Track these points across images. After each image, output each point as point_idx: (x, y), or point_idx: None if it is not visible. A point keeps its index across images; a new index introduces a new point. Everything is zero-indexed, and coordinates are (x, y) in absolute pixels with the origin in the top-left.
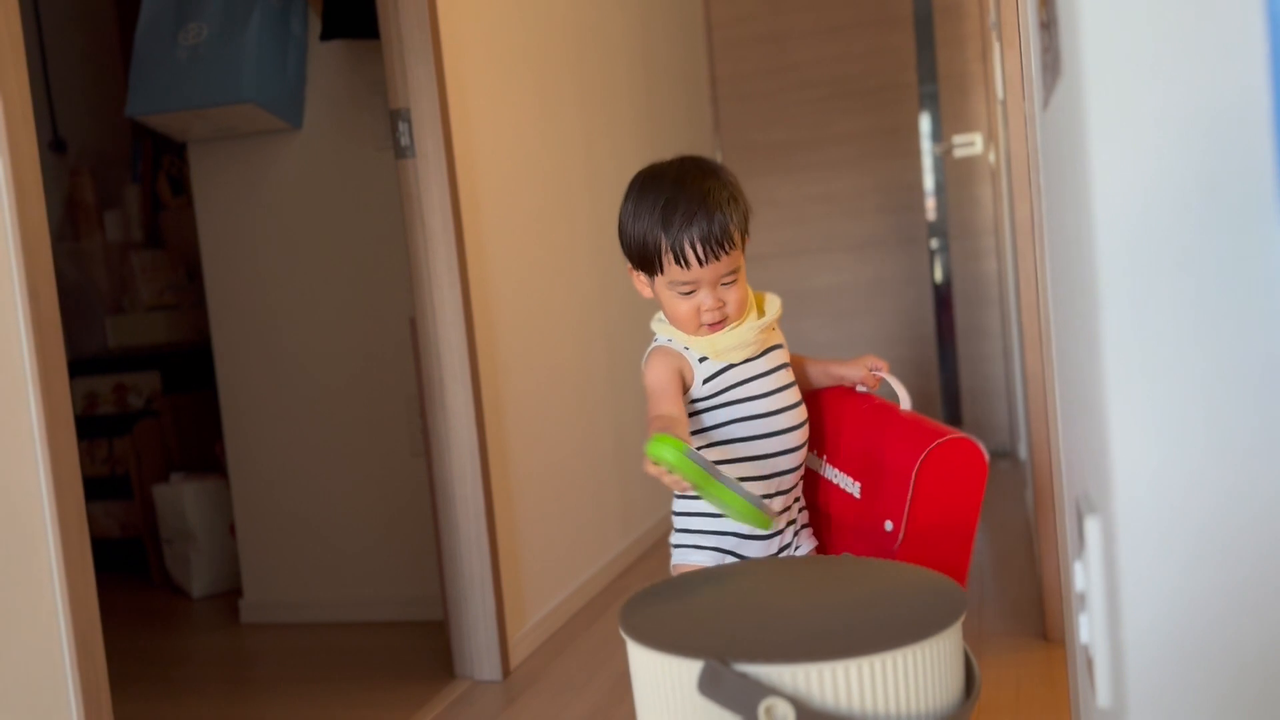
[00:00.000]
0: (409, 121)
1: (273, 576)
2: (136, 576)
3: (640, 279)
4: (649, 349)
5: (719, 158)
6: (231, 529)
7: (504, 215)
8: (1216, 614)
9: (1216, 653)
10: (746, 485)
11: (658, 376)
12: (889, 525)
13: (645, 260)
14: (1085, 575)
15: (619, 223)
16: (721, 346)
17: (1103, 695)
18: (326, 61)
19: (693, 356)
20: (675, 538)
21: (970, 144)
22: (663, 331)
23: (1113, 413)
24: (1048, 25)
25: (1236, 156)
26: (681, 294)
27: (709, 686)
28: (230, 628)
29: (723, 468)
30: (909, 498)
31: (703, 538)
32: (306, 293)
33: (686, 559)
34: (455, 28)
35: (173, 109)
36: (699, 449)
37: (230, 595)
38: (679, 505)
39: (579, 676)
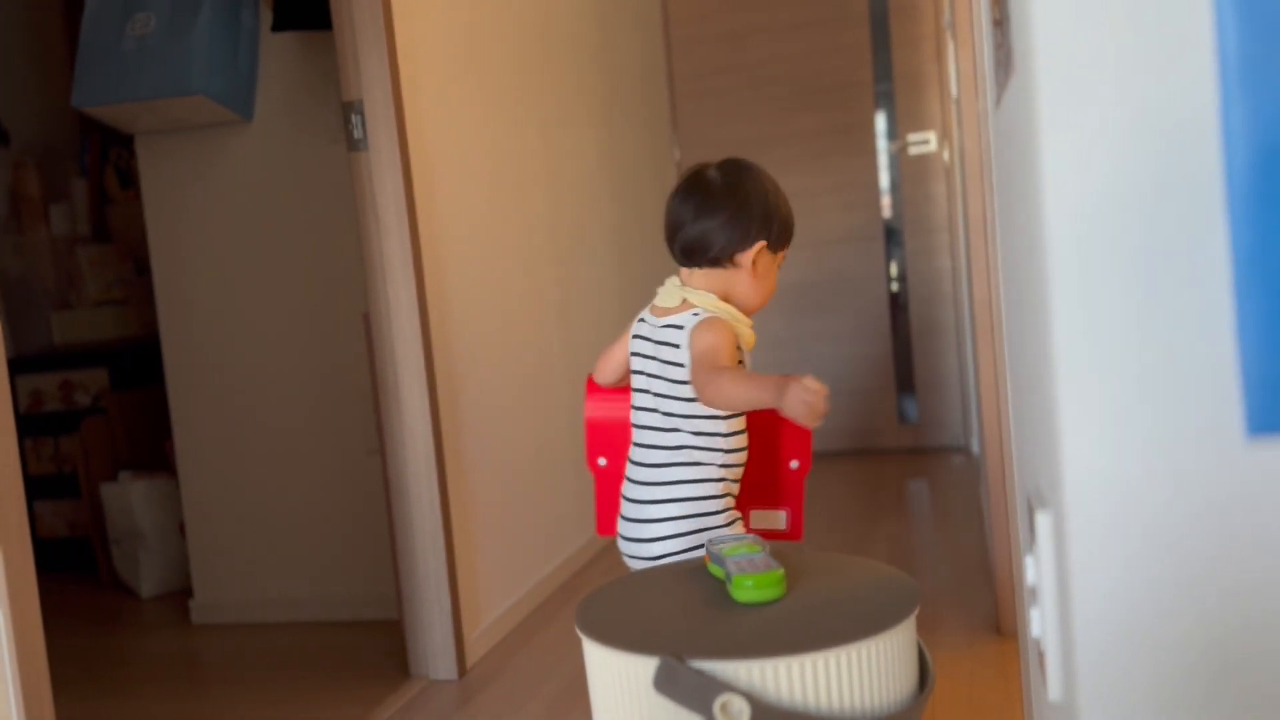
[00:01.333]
0: (362, 114)
1: (224, 576)
2: (84, 576)
3: (762, 254)
4: (701, 317)
5: (677, 155)
6: (181, 528)
7: (460, 209)
8: (1165, 608)
9: (1165, 646)
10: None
11: (730, 345)
12: (794, 464)
13: (785, 235)
14: (1036, 570)
15: (762, 199)
16: (748, 335)
17: (1054, 689)
18: (278, 53)
19: (741, 336)
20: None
21: (924, 142)
22: (718, 308)
23: (1063, 409)
24: (1000, 23)
25: (1185, 155)
26: (776, 272)
27: (665, 684)
28: (180, 628)
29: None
30: (810, 440)
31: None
32: (258, 288)
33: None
34: (409, 19)
35: (120, 100)
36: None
37: (180, 595)
38: (702, 490)
39: (535, 675)
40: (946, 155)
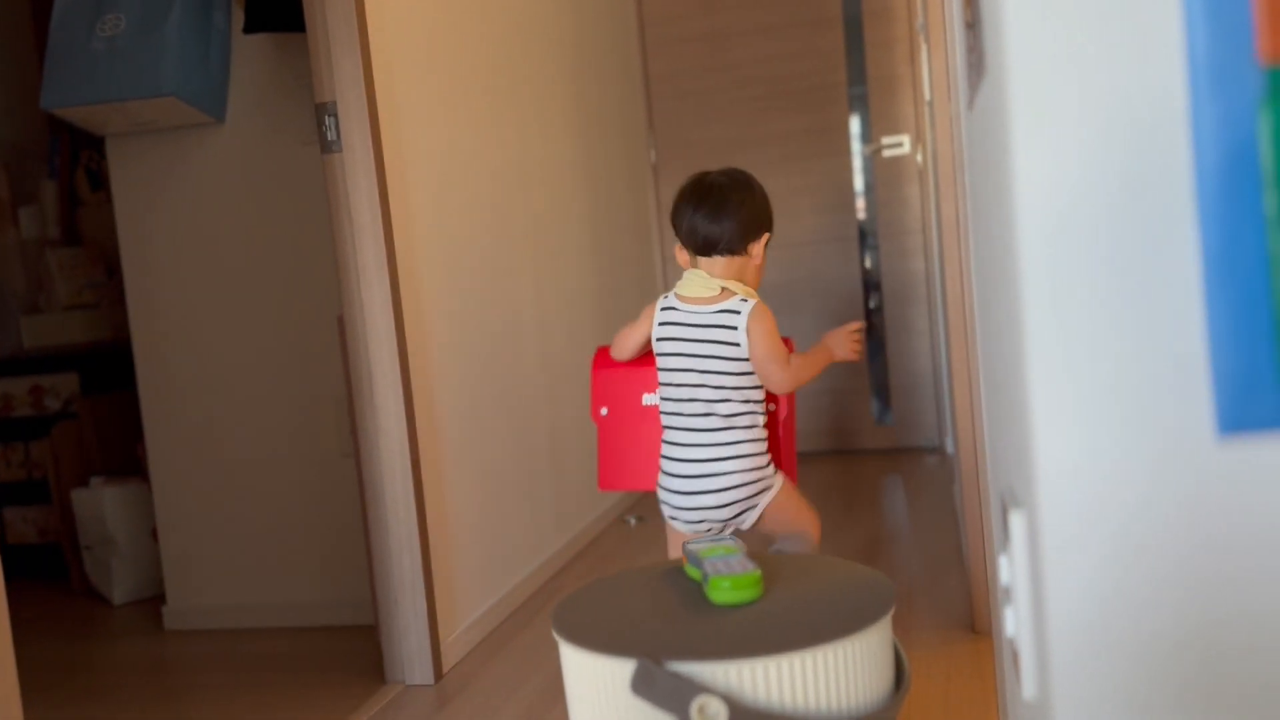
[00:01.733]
0: (335, 115)
1: (197, 582)
2: (56, 583)
3: (764, 243)
4: (751, 305)
5: (653, 155)
6: (154, 534)
7: (435, 210)
8: (1138, 606)
9: (1139, 644)
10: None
11: (775, 327)
12: (772, 406)
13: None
14: (1010, 569)
15: (763, 197)
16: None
17: (1028, 688)
18: (250, 54)
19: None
20: (764, 472)
21: (898, 145)
22: (749, 293)
23: (1036, 409)
24: (972, 26)
25: (1155, 156)
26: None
27: (642, 686)
28: (153, 635)
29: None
30: (794, 429)
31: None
32: (230, 290)
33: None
34: (383, 20)
35: (90, 102)
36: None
37: (153, 601)
38: (757, 448)
39: (513, 679)
40: (920, 158)
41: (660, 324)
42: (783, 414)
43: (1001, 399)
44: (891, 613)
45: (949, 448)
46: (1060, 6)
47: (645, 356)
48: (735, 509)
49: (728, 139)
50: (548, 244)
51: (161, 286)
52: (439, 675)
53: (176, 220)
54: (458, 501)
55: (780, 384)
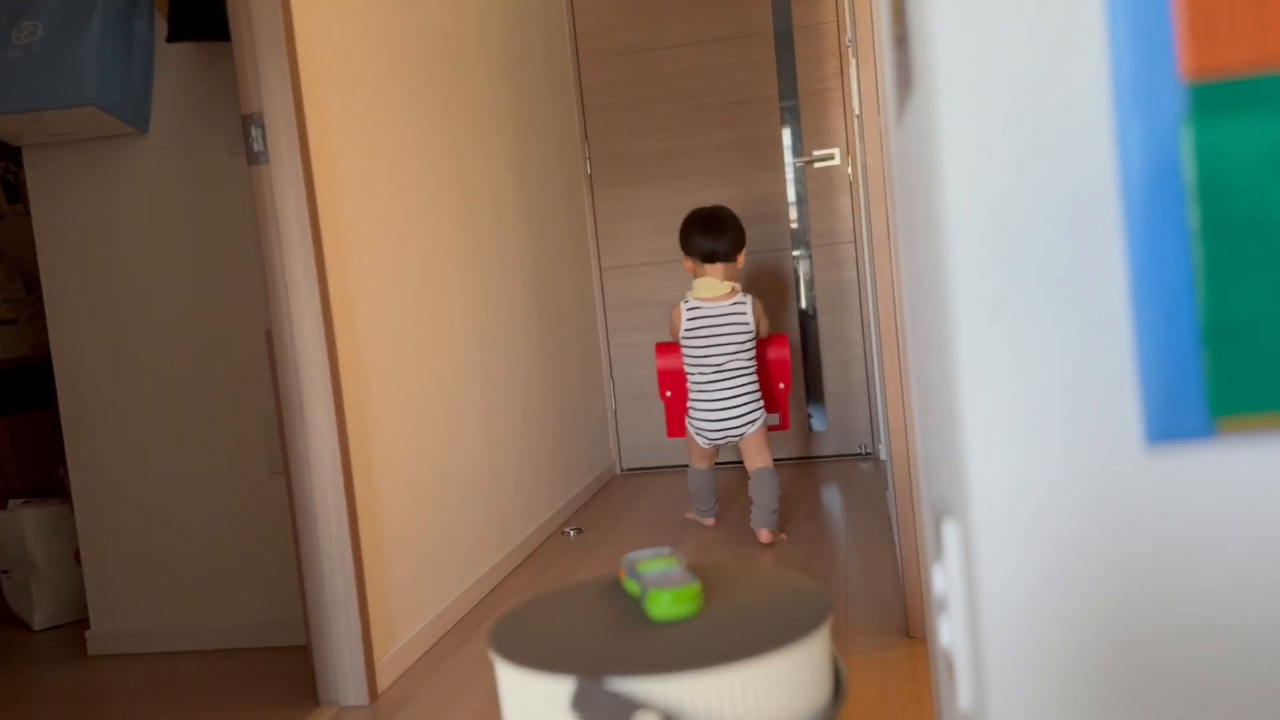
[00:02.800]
0: (262, 126)
1: (122, 605)
2: None
3: (743, 252)
4: (750, 298)
5: (588, 167)
6: (76, 556)
7: (367, 222)
8: (1072, 615)
9: (1073, 653)
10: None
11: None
12: (781, 385)
13: None
14: (945, 579)
15: (740, 225)
16: None
17: (964, 698)
18: (174, 64)
19: None
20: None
21: (829, 157)
22: (745, 293)
23: (966, 419)
24: (901, 42)
25: (1081, 171)
26: None
27: (581, 704)
28: (77, 660)
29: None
30: (790, 371)
31: None
32: (155, 305)
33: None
34: (311, 30)
35: (5, 112)
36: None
37: (76, 626)
38: (755, 388)
39: (449, 698)
40: (850, 170)
41: (691, 318)
42: (789, 390)
43: (933, 409)
44: (829, 622)
45: (882, 454)
46: (987, 24)
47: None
48: (743, 423)
49: (661, 150)
50: (483, 255)
51: (82, 301)
52: (374, 695)
53: (98, 233)
54: (392, 517)
55: (765, 333)
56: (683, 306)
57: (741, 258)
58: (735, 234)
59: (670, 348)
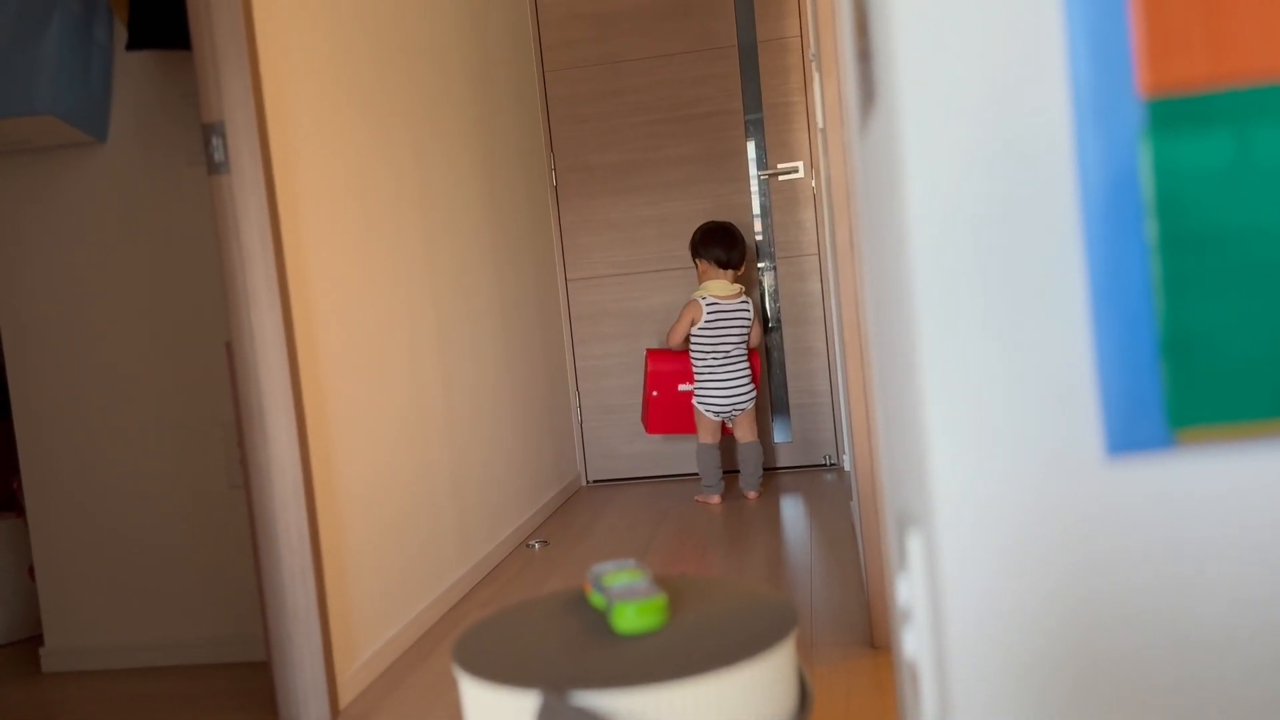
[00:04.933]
0: (223, 136)
1: (78, 621)
2: None
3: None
4: (750, 300)
5: (553, 179)
6: (30, 572)
7: (329, 233)
8: (1035, 625)
9: (1035, 662)
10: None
11: None
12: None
13: None
14: (909, 589)
15: (744, 240)
16: None
17: (928, 708)
18: (134, 72)
19: None
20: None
21: (793, 170)
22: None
23: (930, 430)
24: (865, 57)
25: (1042, 184)
26: None
27: (546, 719)
28: (30, 678)
29: None
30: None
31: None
32: (112, 316)
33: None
34: (273, 38)
35: None
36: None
37: (30, 643)
38: (750, 373)
39: (413, 714)
40: (814, 182)
41: (710, 312)
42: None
43: (897, 420)
44: (795, 634)
45: (846, 465)
46: (950, 39)
47: (675, 358)
48: (744, 400)
49: (626, 162)
50: (448, 266)
51: (38, 313)
52: (335, 712)
53: (54, 243)
54: (354, 530)
55: (756, 337)
56: (701, 303)
57: (743, 266)
58: (744, 248)
59: (662, 354)
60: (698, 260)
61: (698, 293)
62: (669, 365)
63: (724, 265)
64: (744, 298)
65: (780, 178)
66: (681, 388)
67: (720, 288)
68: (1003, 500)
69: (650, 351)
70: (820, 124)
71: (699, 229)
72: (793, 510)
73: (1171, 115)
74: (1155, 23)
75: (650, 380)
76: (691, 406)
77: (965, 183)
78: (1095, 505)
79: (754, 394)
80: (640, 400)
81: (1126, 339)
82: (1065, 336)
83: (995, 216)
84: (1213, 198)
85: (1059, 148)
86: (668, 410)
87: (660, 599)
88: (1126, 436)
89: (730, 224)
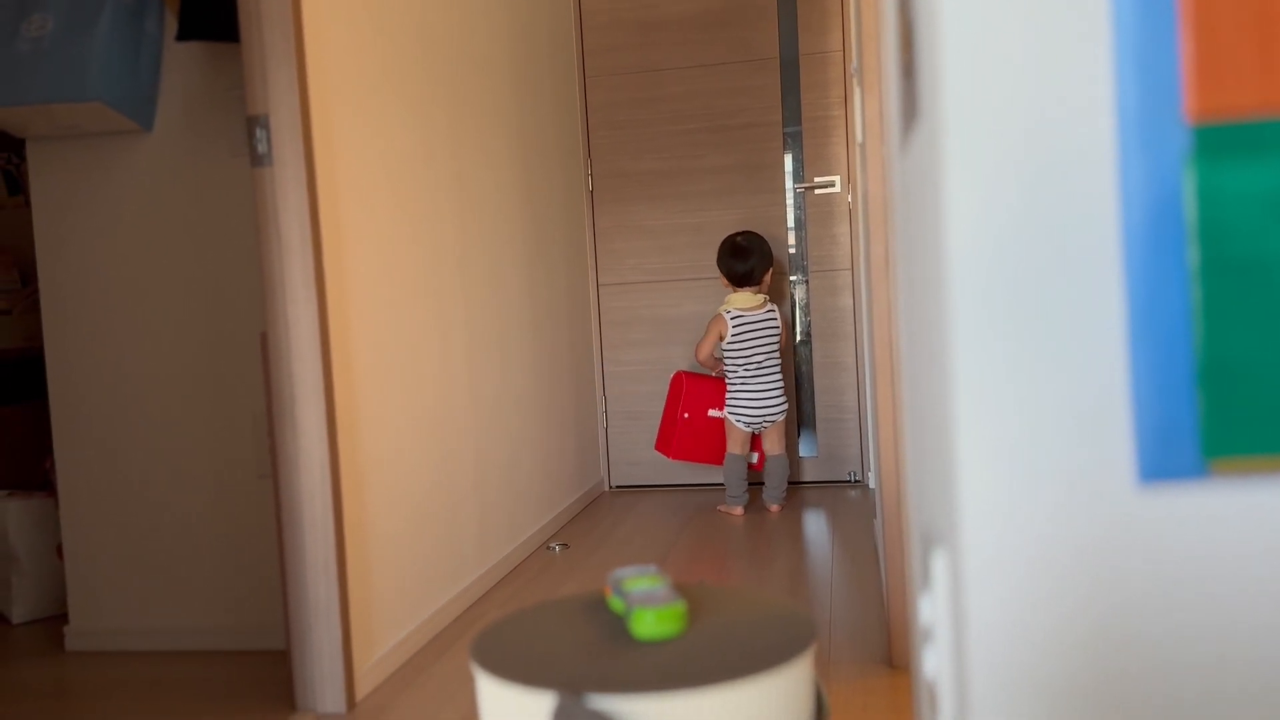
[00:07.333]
0: (267, 128)
1: (103, 601)
2: None
3: (770, 273)
4: (777, 309)
5: (589, 183)
6: (58, 551)
7: (366, 228)
8: (1058, 649)
9: (1058, 686)
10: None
11: None
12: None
13: None
14: (931, 609)
15: (768, 250)
16: None
17: None
18: (182, 63)
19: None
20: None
21: (830, 184)
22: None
23: (960, 449)
24: (909, 72)
25: (1084, 207)
26: None
27: None
28: (54, 656)
29: None
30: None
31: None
32: (150, 302)
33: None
34: (321, 35)
35: (11, 104)
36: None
37: (55, 621)
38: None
39: (427, 709)
40: (850, 197)
41: (736, 325)
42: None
43: (925, 438)
44: (813, 648)
45: (871, 482)
46: (996, 58)
47: (711, 382)
48: (776, 411)
49: (663, 170)
50: (482, 266)
51: (78, 295)
52: (351, 704)
53: (97, 228)
54: (378, 525)
55: (785, 339)
56: (726, 317)
57: (768, 278)
58: (760, 260)
59: (696, 377)
60: (721, 274)
61: (722, 307)
62: (703, 388)
63: (739, 281)
64: (770, 306)
65: (816, 191)
66: (711, 413)
67: (744, 300)
68: (1030, 522)
69: (684, 374)
70: (859, 139)
71: (721, 242)
72: (815, 525)
73: (1218, 142)
74: (1206, 49)
75: (684, 401)
76: (716, 435)
77: (1006, 202)
78: (1124, 531)
79: (785, 406)
80: (660, 422)
81: (1163, 366)
82: (1101, 361)
83: (1035, 237)
84: (1257, 226)
85: (1102, 170)
86: (695, 435)
87: (679, 606)
88: (1159, 464)
89: (747, 237)
